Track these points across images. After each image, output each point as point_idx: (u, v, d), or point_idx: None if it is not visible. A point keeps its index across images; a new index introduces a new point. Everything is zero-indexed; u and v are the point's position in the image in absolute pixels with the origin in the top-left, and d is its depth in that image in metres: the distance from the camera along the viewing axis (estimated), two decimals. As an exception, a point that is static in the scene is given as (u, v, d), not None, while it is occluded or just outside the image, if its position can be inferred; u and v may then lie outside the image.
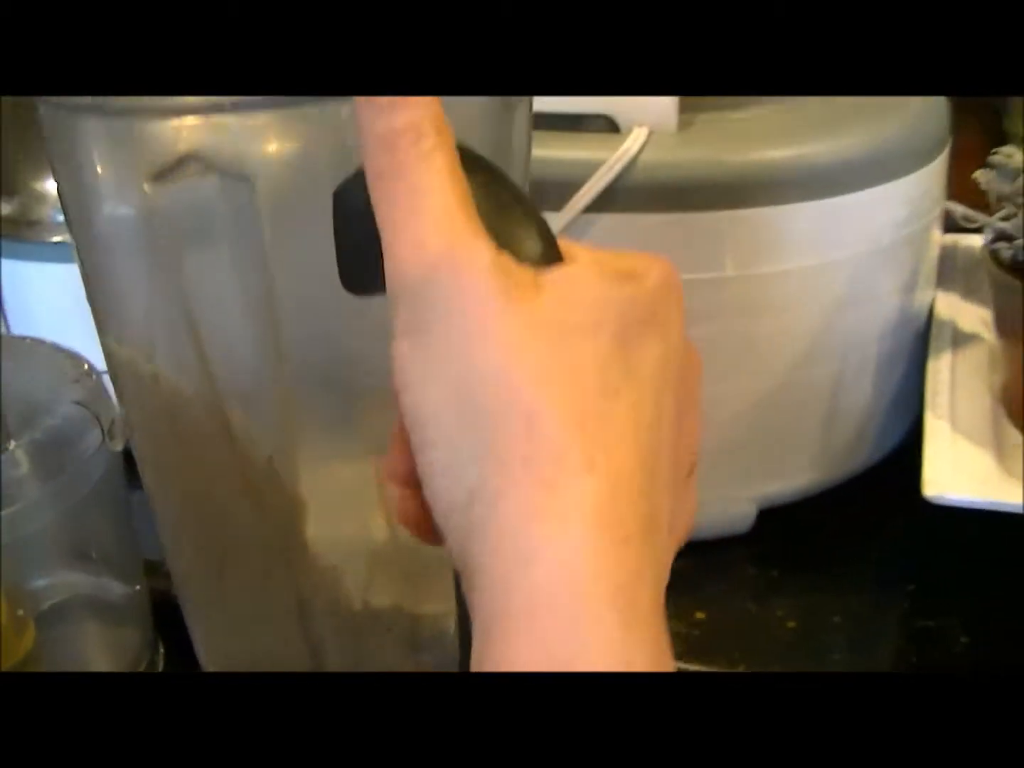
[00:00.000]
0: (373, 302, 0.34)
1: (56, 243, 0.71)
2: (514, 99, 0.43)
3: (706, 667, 0.57)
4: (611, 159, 0.55)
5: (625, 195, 0.56)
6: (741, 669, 0.57)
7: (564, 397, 0.31)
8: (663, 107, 0.57)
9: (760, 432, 0.61)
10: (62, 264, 0.71)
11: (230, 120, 0.35)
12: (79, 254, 0.43)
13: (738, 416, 0.60)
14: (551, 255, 0.33)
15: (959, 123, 0.65)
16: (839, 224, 0.58)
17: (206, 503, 0.44)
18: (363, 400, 0.41)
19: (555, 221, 0.55)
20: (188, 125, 0.36)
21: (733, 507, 0.63)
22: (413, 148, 0.32)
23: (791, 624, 0.60)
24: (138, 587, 0.62)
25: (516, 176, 0.44)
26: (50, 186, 0.73)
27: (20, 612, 0.58)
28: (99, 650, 0.63)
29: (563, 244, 0.35)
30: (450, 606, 0.37)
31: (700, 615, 0.61)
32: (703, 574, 0.63)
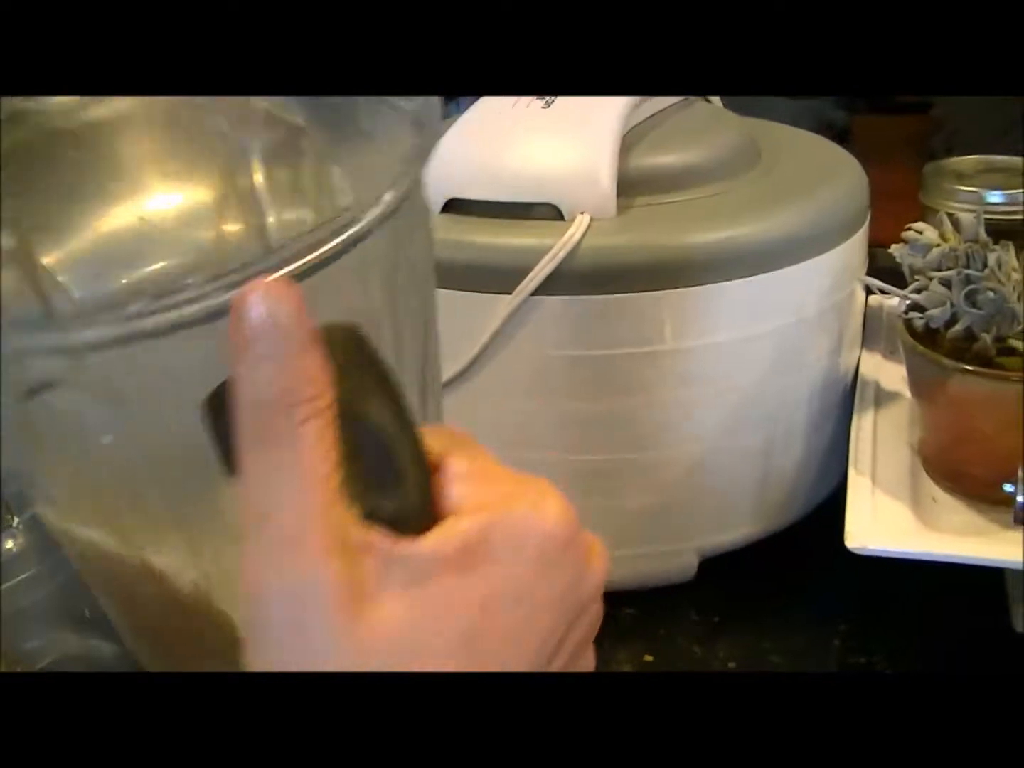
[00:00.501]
0: None
1: None
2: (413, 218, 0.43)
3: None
4: (556, 246, 0.60)
5: (569, 279, 0.60)
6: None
7: None
8: (602, 194, 0.62)
9: (698, 491, 0.66)
10: None
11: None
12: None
13: (677, 477, 0.65)
14: (420, 518, 0.34)
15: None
16: (767, 298, 0.62)
17: (159, 632, 0.48)
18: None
19: (505, 304, 0.61)
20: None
21: (676, 558, 0.68)
22: (284, 419, 0.32)
23: (731, 664, 0.65)
24: (127, 647, 0.66)
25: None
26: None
27: (18, 671, 0.62)
28: None
29: (453, 469, 0.36)
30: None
31: (648, 658, 0.65)
32: (651, 620, 0.68)
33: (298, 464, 0.32)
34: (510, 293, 0.61)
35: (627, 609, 0.69)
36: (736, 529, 0.69)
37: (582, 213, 0.61)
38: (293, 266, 0.35)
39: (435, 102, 0.43)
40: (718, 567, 0.69)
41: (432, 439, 0.37)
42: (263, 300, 0.32)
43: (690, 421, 0.64)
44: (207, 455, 0.35)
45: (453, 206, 0.64)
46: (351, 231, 0.37)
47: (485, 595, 0.34)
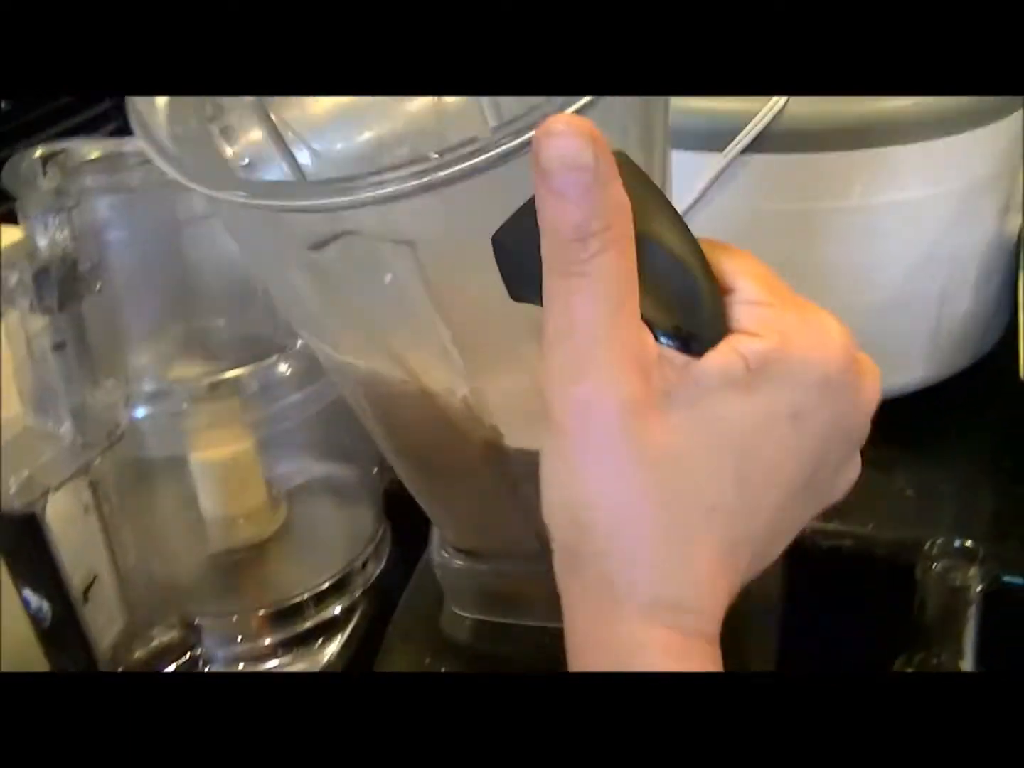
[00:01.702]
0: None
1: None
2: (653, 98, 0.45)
3: (840, 525, 0.70)
4: (762, 110, 0.67)
5: (771, 139, 0.67)
6: (871, 528, 0.70)
7: (647, 527, 0.35)
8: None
9: (879, 335, 0.72)
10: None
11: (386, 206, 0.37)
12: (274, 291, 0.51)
13: (860, 322, 0.71)
14: (711, 337, 0.36)
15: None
16: (946, 160, 0.69)
17: (425, 442, 0.51)
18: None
19: (715, 162, 0.68)
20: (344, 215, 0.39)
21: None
22: (581, 250, 0.34)
23: (909, 492, 0.72)
24: (373, 472, 0.71)
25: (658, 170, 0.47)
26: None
27: (274, 491, 0.68)
28: (337, 526, 0.72)
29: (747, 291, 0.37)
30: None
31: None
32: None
33: (594, 291, 0.34)
34: (720, 152, 0.68)
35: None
36: (913, 372, 0.76)
37: (782, 82, 0.68)
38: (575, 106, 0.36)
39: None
40: (898, 406, 0.75)
41: (721, 259, 0.38)
42: (559, 134, 0.33)
43: (873, 271, 0.71)
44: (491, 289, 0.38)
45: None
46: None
47: (766, 415, 0.36)
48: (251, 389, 0.62)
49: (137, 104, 0.43)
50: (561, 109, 0.35)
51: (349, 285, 0.44)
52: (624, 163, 0.35)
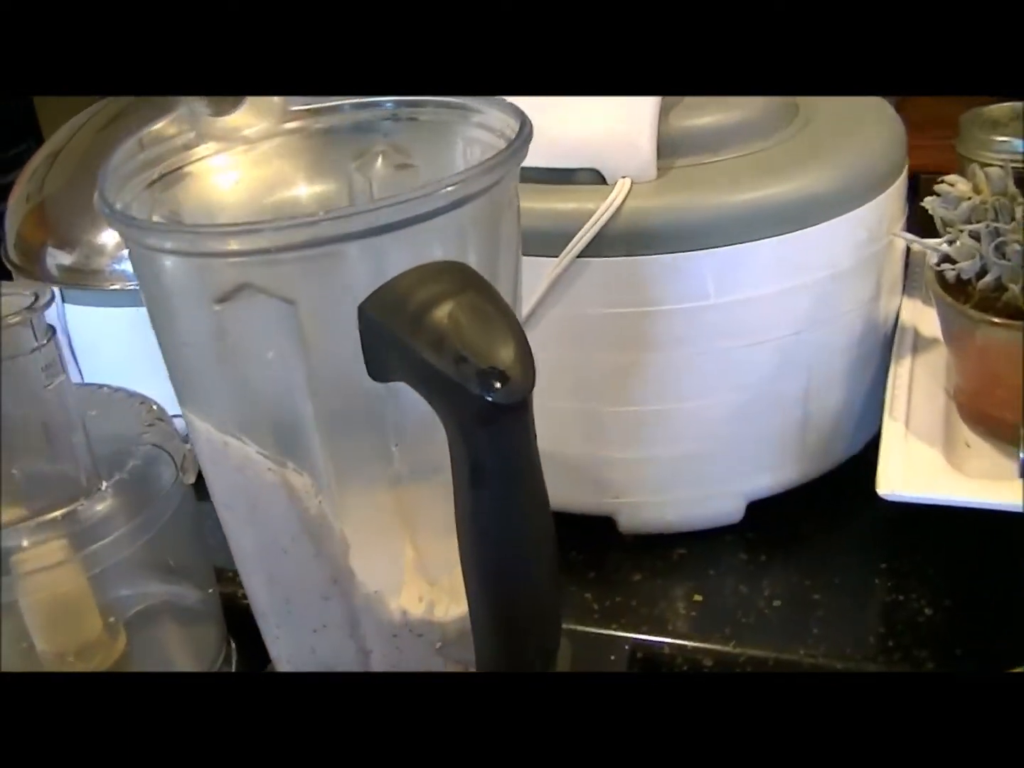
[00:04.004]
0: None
1: (116, 290, 0.79)
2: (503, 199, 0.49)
3: (703, 644, 0.66)
4: (599, 210, 0.63)
5: (612, 241, 0.63)
6: (732, 645, 0.66)
7: None
8: (643, 159, 0.65)
9: (741, 438, 0.69)
10: (124, 308, 0.80)
11: (279, 258, 0.42)
12: (161, 346, 0.50)
13: (722, 424, 0.68)
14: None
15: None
16: (804, 253, 0.65)
17: (271, 545, 0.51)
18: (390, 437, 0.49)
19: (551, 267, 0.64)
20: (244, 262, 0.43)
21: (724, 501, 0.72)
22: None
23: (776, 603, 0.68)
24: (211, 591, 0.69)
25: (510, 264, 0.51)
26: (106, 237, 0.81)
27: (112, 620, 0.65)
28: (180, 649, 0.70)
29: None
30: (465, 610, 0.45)
31: (698, 597, 0.69)
32: (702, 560, 0.72)
33: None
34: (556, 256, 0.64)
35: (679, 549, 0.72)
36: (779, 473, 0.72)
37: (623, 177, 0.64)
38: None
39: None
40: (764, 509, 0.72)
41: None
42: None
43: (731, 371, 0.67)
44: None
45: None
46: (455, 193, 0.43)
47: None
48: (74, 529, 0.59)
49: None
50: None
51: (243, 349, 0.47)
52: (465, 269, 0.42)
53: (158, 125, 0.51)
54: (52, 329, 0.55)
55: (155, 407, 0.66)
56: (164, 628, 0.70)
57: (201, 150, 0.51)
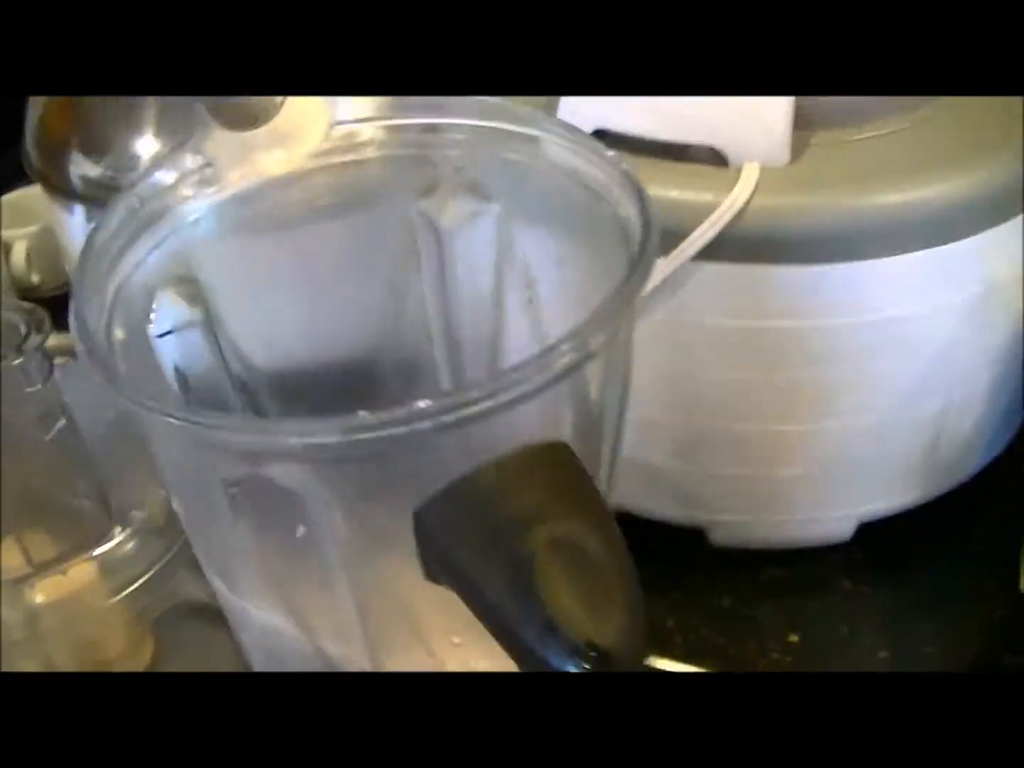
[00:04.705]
0: None
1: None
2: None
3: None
4: (722, 206, 0.52)
5: (734, 244, 0.53)
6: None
7: None
8: (776, 139, 0.54)
9: (864, 460, 0.60)
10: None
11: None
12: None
13: (843, 447, 0.59)
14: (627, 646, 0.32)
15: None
16: (958, 267, 0.55)
17: None
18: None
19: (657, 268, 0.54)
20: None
21: (833, 524, 0.63)
22: None
23: (883, 655, 0.60)
24: None
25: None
26: (142, 147, 0.71)
27: (138, 629, 0.61)
28: (210, 649, 0.61)
29: None
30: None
31: (793, 638, 0.61)
32: (799, 587, 0.64)
33: None
34: (662, 255, 0.53)
35: (775, 570, 0.64)
36: (899, 495, 0.63)
37: (750, 161, 0.54)
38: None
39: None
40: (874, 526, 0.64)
41: None
42: None
43: (861, 394, 0.57)
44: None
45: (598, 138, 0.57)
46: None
47: None
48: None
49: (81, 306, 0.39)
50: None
51: (263, 527, 0.42)
52: (561, 456, 0.33)
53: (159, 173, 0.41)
54: (49, 366, 0.45)
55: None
56: (195, 628, 0.63)
57: (215, 191, 0.42)
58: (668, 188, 0.54)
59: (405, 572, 0.36)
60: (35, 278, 0.88)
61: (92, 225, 0.42)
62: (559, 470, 0.33)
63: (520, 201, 0.47)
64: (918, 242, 0.53)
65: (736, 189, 0.53)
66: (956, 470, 0.64)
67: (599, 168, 0.43)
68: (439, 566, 0.34)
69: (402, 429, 0.32)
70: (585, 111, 0.55)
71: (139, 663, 0.60)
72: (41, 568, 0.49)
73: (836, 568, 0.64)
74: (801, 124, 0.54)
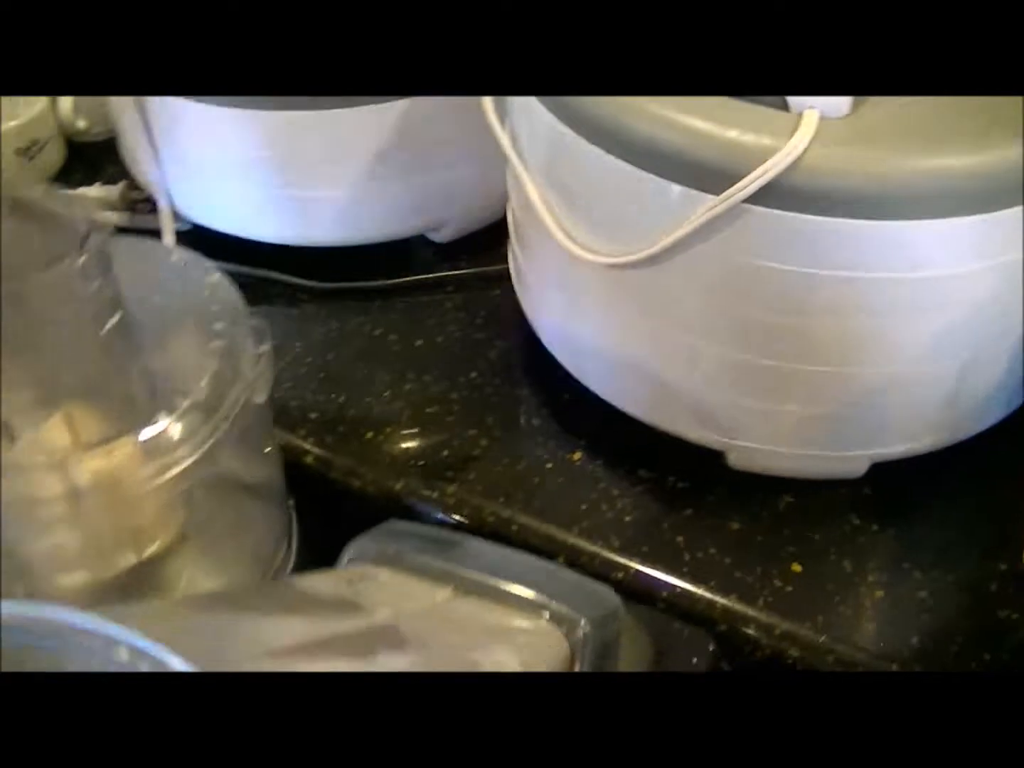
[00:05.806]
0: None
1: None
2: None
3: (792, 627, 0.60)
4: (779, 154, 0.53)
5: (787, 192, 0.53)
6: (823, 639, 0.60)
7: None
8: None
9: (885, 406, 0.61)
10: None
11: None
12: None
13: (862, 393, 0.60)
14: None
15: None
16: (1002, 232, 0.55)
17: None
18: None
19: (706, 207, 0.55)
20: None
21: (847, 460, 0.65)
22: None
23: (879, 594, 0.62)
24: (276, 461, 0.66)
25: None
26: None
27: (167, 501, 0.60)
28: (243, 521, 0.66)
29: None
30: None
31: (796, 567, 0.64)
32: (808, 518, 0.66)
33: None
34: (714, 193, 0.54)
35: (787, 497, 0.66)
36: (914, 441, 0.64)
37: (811, 108, 0.54)
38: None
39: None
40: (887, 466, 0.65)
41: None
42: None
43: (891, 345, 0.59)
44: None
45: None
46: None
47: None
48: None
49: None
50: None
51: None
52: None
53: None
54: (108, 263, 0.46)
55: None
56: (228, 499, 0.65)
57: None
58: (727, 128, 0.54)
59: None
60: (81, 123, 0.88)
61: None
62: None
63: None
64: (970, 207, 0.54)
65: (793, 140, 0.53)
66: (973, 422, 0.65)
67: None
68: None
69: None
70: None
71: (169, 532, 0.61)
72: (87, 447, 0.50)
73: (845, 503, 0.66)
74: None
